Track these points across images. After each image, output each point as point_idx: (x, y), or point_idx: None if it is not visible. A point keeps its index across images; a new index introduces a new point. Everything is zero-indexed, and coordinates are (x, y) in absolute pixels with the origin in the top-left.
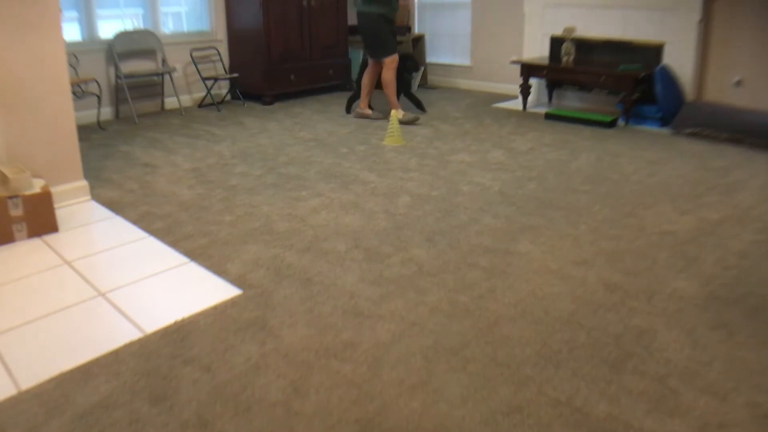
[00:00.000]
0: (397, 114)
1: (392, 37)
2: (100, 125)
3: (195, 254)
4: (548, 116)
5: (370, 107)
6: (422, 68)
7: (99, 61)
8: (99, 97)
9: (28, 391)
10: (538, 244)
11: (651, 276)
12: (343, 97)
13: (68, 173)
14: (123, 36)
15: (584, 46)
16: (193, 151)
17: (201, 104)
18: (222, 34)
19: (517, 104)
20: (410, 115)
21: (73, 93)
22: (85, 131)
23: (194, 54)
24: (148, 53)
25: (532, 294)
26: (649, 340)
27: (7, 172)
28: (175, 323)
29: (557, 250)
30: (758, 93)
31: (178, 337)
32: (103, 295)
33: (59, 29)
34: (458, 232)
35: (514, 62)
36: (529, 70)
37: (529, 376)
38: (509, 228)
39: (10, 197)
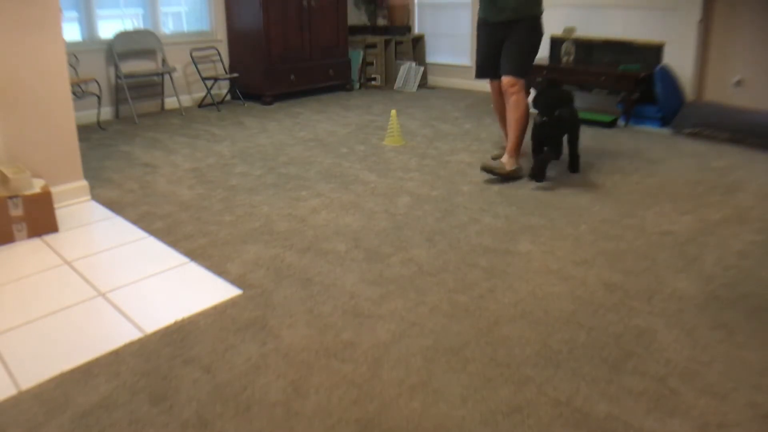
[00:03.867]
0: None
1: (485, 49)
2: (100, 125)
3: (195, 254)
4: None
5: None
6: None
7: (99, 61)
8: (99, 97)
9: (28, 391)
10: (538, 244)
11: (651, 276)
12: (343, 97)
13: (68, 173)
14: (123, 36)
15: (584, 46)
16: (193, 151)
17: (201, 104)
18: (222, 34)
19: None
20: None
21: (73, 93)
22: (85, 131)
23: (194, 54)
24: (148, 53)
25: (532, 294)
26: (649, 340)
27: (7, 172)
28: (175, 323)
29: (557, 250)
30: (758, 93)
31: (178, 337)
32: (103, 295)
33: (59, 29)
34: (458, 232)
35: None
36: None
37: (529, 376)
38: (509, 228)
39: (10, 197)
